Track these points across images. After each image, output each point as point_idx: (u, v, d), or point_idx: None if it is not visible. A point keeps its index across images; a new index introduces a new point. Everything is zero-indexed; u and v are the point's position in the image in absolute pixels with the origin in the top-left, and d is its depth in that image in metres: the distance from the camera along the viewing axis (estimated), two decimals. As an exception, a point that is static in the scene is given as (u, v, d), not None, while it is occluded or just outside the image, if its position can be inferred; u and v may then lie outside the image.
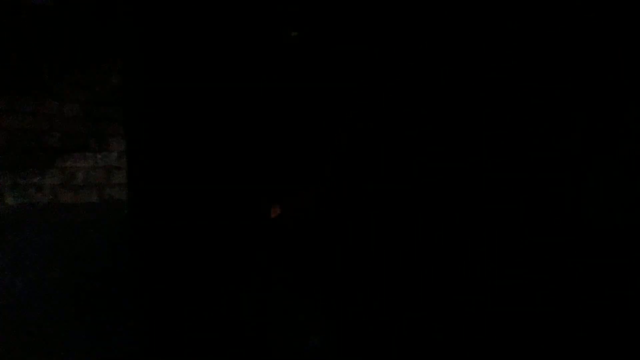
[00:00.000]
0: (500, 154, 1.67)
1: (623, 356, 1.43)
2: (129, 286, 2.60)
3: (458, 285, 1.59)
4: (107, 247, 2.97)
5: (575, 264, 1.52)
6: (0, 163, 2.75)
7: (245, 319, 1.76)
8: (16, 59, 2.40)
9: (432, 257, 1.63)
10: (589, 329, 1.47)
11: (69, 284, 2.59)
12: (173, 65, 2.07)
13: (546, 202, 1.61)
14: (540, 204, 1.61)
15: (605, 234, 1.47)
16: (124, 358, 1.77)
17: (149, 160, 2.21)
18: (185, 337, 1.81)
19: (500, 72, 1.69)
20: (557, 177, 1.62)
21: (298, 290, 1.72)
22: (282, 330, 1.71)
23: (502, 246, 1.58)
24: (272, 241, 1.78)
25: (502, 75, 1.69)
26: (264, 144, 1.90)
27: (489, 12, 1.72)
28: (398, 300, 1.62)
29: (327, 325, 1.65)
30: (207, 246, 1.95)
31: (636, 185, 1.43)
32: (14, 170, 2.87)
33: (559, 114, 1.63)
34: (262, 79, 1.94)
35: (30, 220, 2.98)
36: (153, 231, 2.09)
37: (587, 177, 1.53)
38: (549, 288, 1.54)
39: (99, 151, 3.45)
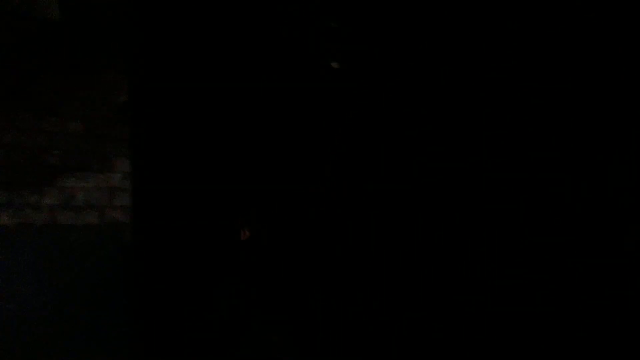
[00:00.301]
0: (500, 154, 1.59)
1: (623, 356, 1.33)
2: (126, 304, 2.54)
3: (458, 285, 1.49)
4: (107, 270, 2.88)
5: (575, 264, 1.43)
6: (-2, 180, 2.73)
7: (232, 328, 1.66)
8: (16, 73, 2.40)
9: (432, 257, 1.54)
10: (588, 329, 1.37)
11: (65, 301, 2.52)
12: (181, 84, 2.04)
13: (546, 202, 1.52)
14: (540, 204, 1.52)
15: (605, 234, 1.39)
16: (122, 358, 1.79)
17: (154, 182, 2.15)
18: (171, 344, 1.72)
19: (500, 72, 1.63)
20: (557, 177, 1.54)
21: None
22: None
23: (502, 246, 1.50)
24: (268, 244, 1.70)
25: (502, 76, 1.63)
26: (266, 146, 1.84)
27: (488, 13, 1.68)
28: (398, 300, 1.52)
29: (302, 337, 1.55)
30: (206, 265, 1.86)
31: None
32: (10, 189, 2.82)
33: (559, 114, 1.56)
34: (267, 82, 1.90)
35: (27, 240, 2.92)
36: (155, 257, 2.01)
37: (587, 178, 1.46)
38: (549, 288, 1.44)
39: (102, 171, 3.41)
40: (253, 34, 1.69)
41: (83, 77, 2.88)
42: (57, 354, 2.01)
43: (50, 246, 2.87)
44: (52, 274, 2.79)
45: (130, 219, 3.33)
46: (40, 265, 2.76)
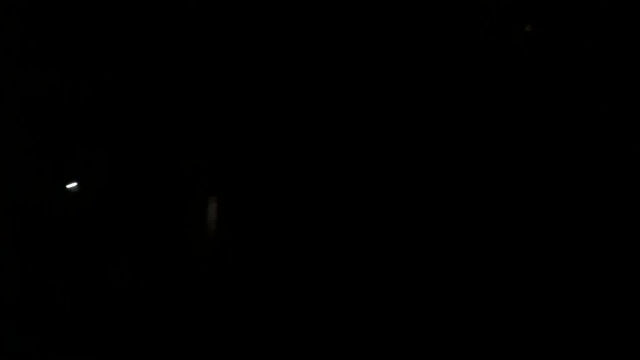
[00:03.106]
0: (497, 153, 1.61)
1: (623, 356, 1.36)
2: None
3: (455, 284, 1.52)
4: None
5: (575, 264, 1.46)
6: None
7: None
8: None
9: (425, 256, 1.57)
10: (588, 328, 1.40)
11: None
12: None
13: (543, 202, 1.55)
14: (537, 203, 1.55)
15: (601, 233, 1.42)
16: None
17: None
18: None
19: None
20: (556, 176, 1.56)
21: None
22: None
23: (499, 246, 1.53)
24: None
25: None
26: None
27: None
28: (391, 299, 1.56)
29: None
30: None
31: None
32: None
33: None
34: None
35: None
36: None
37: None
38: (549, 288, 1.47)
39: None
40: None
41: None
42: None
43: None
44: None
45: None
46: None
